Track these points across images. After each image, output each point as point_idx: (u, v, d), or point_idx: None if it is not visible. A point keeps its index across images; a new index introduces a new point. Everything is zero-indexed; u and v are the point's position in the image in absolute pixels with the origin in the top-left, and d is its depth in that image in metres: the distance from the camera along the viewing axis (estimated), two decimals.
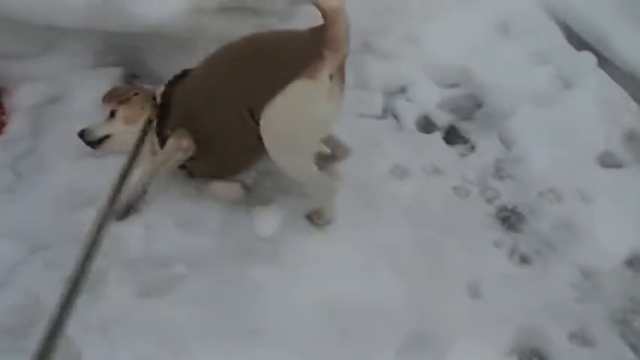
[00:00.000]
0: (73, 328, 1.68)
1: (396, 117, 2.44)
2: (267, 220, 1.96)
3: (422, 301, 1.82)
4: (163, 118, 1.94)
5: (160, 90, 1.99)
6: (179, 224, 1.94)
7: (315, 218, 1.98)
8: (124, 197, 1.89)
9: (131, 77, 2.38)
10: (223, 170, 2.01)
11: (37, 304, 1.71)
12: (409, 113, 2.44)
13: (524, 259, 1.97)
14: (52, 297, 1.70)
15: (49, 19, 1.96)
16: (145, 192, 1.95)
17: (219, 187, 2.04)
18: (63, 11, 1.94)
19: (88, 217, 1.88)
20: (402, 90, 2.51)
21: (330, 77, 1.68)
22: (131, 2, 1.98)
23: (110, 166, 2.03)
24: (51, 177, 2.05)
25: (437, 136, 2.40)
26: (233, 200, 2.04)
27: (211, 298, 1.78)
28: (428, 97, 2.51)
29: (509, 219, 2.09)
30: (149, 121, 1.99)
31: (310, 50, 1.65)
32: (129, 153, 1.87)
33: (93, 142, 2.01)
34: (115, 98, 2.02)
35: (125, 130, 1.99)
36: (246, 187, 2.06)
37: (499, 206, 2.13)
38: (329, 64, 1.65)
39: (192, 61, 2.01)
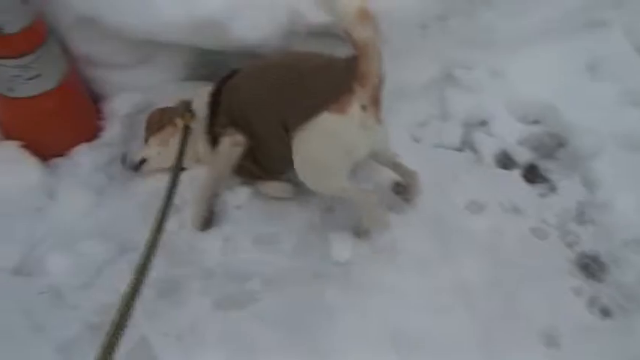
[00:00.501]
0: (151, 330, 1.78)
1: (474, 150, 2.41)
2: (342, 246, 1.98)
3: (493, 344, 1.78)
4: (213, 117, 2.02)
5: (210, 89, 2.05)
6: (257, 241, 1.99)
7: (361, 230, 2.01)
8: (199, 209, 1.99)
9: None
10: (267, 171, 2.05)
11: None
12: (488, 147, 2.40)
13: (605, 312, 1.89)
14: (139, 301, 1.80)
15: (148, 33, 2.06)
16: (216, 195, 2.02)
17: (270, 186, 2.09)
18: (163, 27, 2.04)
19: (172, 223, 1.98)
20: (483, 123, 2.48)
21: (364, 107, 1.71)
22: (229, 22, 2.06)
23: (194, 175, 2.13)
24: (139, 183, 2.16)
25: (516, 174, 2.34)
26: (284, 197, 2.09)
27: (283, 317, 1.82)
28: (509, 133, 2.45)
29: (590, 267, 2.02)
30: (186, 128, 2.04)
31: (341, 83, 1.70)
32: (172, 166, 1.93)
33: (132, 167, 2.12)
34: (149, 130, 2.14)
35: (159, 151, 2.11)
36: (296, 185, 2.08)
37: (579, 252, 2.06)
38: (359, 98, 1.70)
39: None
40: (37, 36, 1.87)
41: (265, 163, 2.02)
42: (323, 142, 1.76)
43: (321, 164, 1.81)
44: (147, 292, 1.82)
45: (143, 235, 1.94)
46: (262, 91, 1.85)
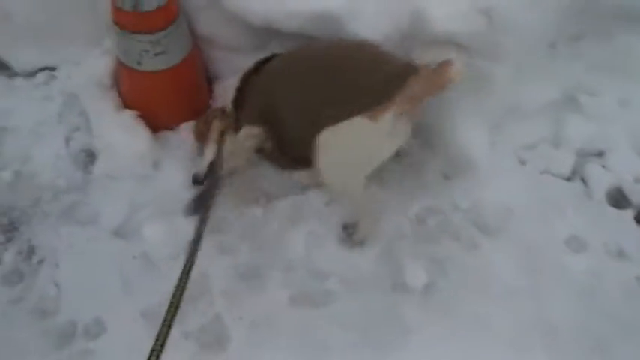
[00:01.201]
0: (227, 310, 1.84)
1: (584, 183, 2.24)
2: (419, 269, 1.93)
3: None
4: (239, 108, 1.97)
5: (236, 81, 1.99)
6: (341, 240, 1.99)
7: (352, 232, 1.97)
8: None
9: None
10: (296, 163, 2.00)
11: (206, 284, 1.87)
12: (601, 181, 2.22)
13: None
14: (219, 280, 1.88)
15: (270, 21, 2.09)
16: (221, 166, 1.98)
17: (303, 174, 2.05)
18: (284, 16, 2.05)
19: (258, 214, 2.03)
20: (599, 154, 2.29)
21: (400, 115, 1.62)
22: (348, 18, 2.03)
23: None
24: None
25: (628, 215, 2.15)
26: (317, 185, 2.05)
27: (357, 322, 1.81)
28: (627, 168, 2.25)
29: None
30: (221, 134, 2.00)
31: (384, 93, 1.60)
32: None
33: (203, 179, 2.01)
34: (200, 140, 2.08)
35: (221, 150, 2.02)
36: None
37: None
38: (396, 109, 1.61)
39: None
40: (170, 14, 1.96)
41: (292, 157, 1.98)
42: (349, 144, 1.70)
43: (343, 165, 1.76)
44: (228, 272, 1.90)
45: (233, 222, 2.03)
46: (294, 86, 1.79)
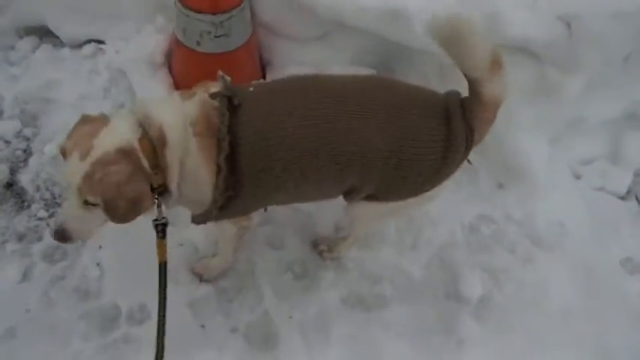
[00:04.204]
0: (276, 308, 1.78)
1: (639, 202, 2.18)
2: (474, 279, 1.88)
3: None
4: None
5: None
6: (395, 245, 1.93)
7: (326, 249, 1.85)
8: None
9: None
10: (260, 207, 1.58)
11: (254, 278, 1.81)
12: None
13: None
14: (268, 276, 1.82)
15: (339, 14, 2.02)
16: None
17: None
18: (355, 10, 1.99)
19: (311, 206, 1.96)
20: None
21: None
22: (414, 17, 1.97)
23: None
24: None
25: None
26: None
27: (409, 330, 1.76)
28: None
29: None
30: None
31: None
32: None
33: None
34: None
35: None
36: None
37: None
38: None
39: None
40: None
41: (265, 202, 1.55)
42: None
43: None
44: (279, 269, 1.84)
45: (288, 214, 1.95)
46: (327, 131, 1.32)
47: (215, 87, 1.34)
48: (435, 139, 1.31)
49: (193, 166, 1.32)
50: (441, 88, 1.37)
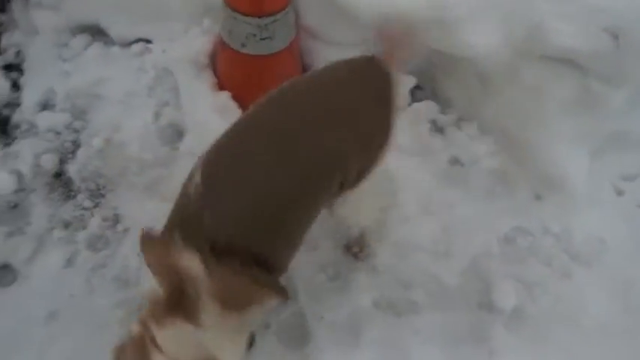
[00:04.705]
0: (310, 308, 1.80)
1: None
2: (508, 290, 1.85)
3: None
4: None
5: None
6: (428, 250, 1.92)
7: (358, 250, 1.87)
8: None
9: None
10: None
11: (289, 276, 1.83)
12: None
13: None
14: (303, 275, 1.84)
15: (377, 20, 2.04)
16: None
17: None
18: (394, 16, 2.00)
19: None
20: None
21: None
22: (456, 25, 1.98)
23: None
24: None
25: None
26: None
27: (440, 337, 1.75)
28: None
29: None
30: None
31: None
32: None
33: None
34: None
35: None
36: None
37: None
38: None
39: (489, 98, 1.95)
40: (282, 1, 1.94)
41: None
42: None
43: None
44: (313, 269, 1.86)
45: (323, 214, 1.96)
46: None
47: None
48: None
49: None
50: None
